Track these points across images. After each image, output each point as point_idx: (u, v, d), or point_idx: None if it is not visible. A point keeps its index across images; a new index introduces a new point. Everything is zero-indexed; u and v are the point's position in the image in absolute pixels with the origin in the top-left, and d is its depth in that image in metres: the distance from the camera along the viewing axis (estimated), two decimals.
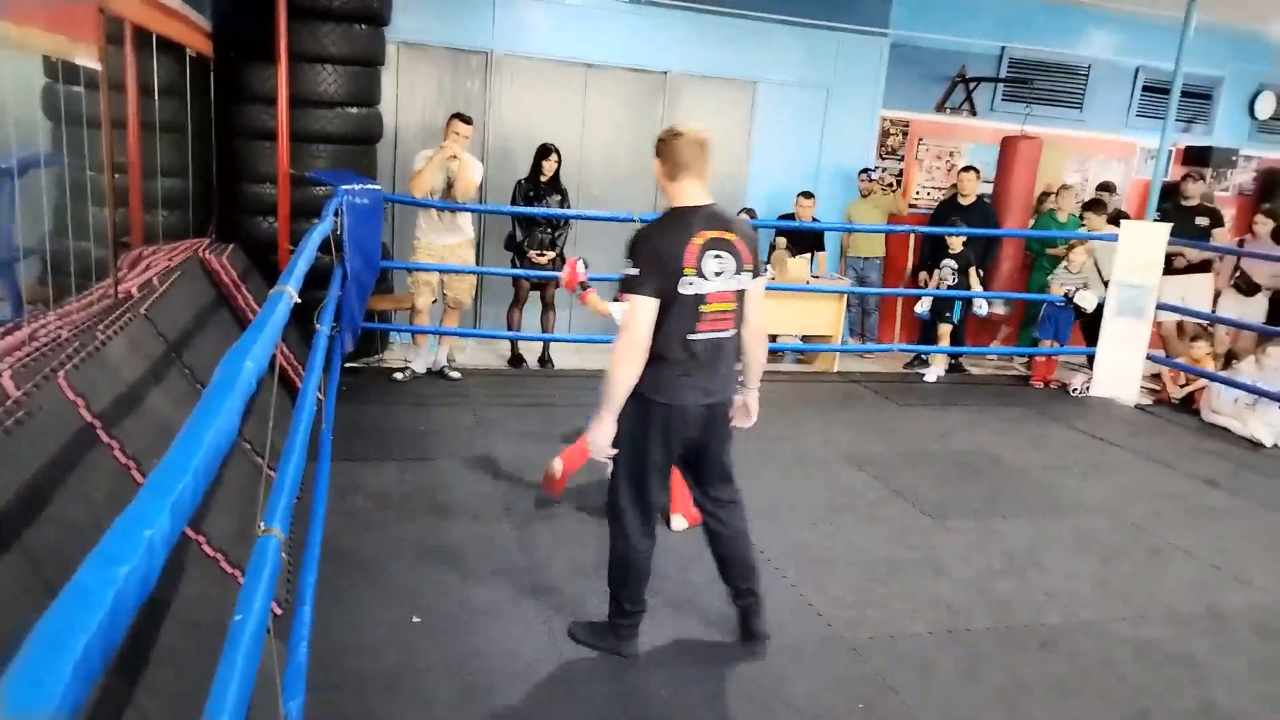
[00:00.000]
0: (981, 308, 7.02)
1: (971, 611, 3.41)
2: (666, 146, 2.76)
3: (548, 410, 5.58)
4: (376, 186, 5.41)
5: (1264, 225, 7.18)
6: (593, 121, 7.33)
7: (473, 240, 6.13)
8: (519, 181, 6.38)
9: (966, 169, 7.38)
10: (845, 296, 7.32)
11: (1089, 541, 4.17)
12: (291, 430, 2.58)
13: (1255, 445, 5.98)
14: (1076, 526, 4.34)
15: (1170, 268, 6.96)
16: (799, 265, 7.23)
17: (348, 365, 5.98)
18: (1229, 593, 3.74)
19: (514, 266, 6.43)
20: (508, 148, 7.09)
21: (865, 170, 7.77)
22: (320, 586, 2.89)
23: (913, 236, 7.34)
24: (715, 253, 2.67)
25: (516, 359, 6.65)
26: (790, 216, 7.50)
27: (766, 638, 3.06)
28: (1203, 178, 7.44)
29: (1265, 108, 9.03)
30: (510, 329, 6.55)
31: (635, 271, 2.64)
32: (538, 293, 6.57)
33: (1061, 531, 4.26)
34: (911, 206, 8.22)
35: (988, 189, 7.80)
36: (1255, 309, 7.13)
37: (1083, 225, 7.28)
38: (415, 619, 3.07)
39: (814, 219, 7.46)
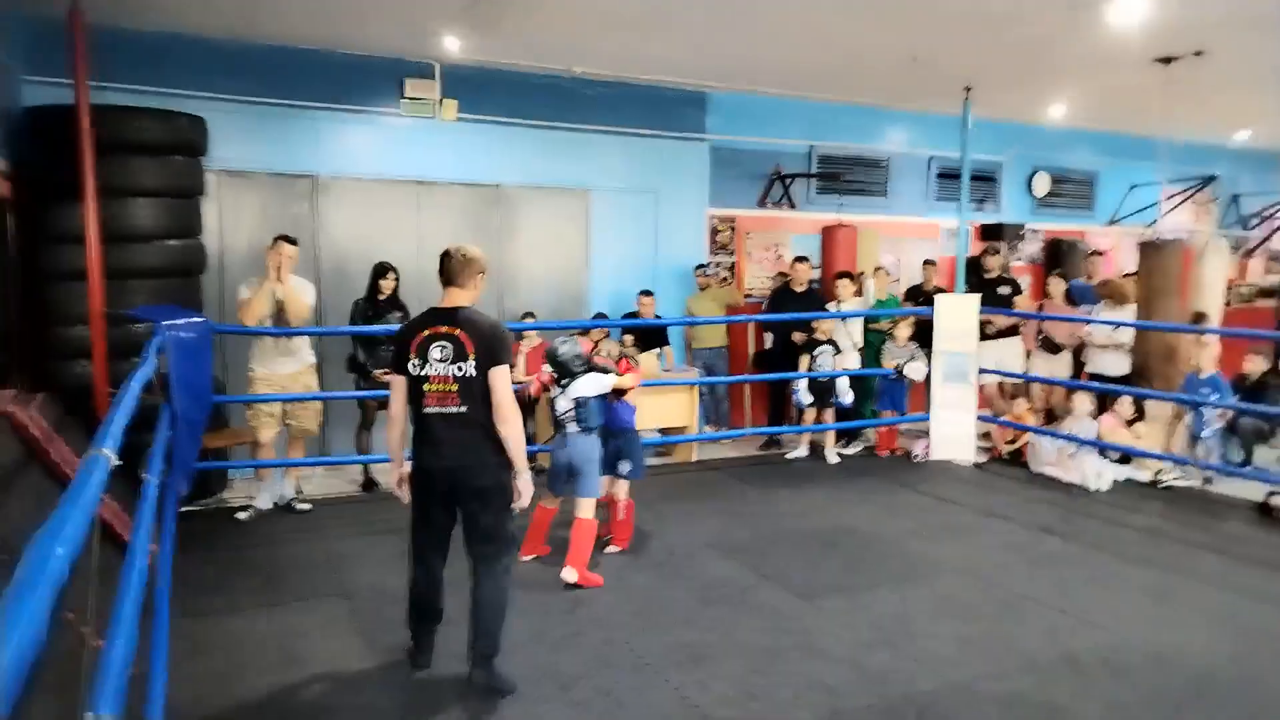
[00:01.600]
0: (846, 396, 7.28)
1: (851, 690, 3.45)
2: (440, 264, 3.50)
3: (405, 535, 5.32)
4: (202, 319, 5.16)
5: (1057, 288, 7.94)
6: (429, 237, 7.32)
7: (314, 365, 5.91)
8: (356, 301, 6.25)
9: (799, 259, 7.84)
10: (696, 387, 7.50)
11: (948, 603, 4.33)
12: (120, 595, 2.35)
13: (1080, 489, 6.47)
14: (935, 589, 4.51)
15: (983, 334, 7.55)
16: (649, 361, 7.37)
17: (185, 510, 5.55)
18: (1078, 636, 3.96)
19: (358, 388, 6.23)
20: (341, 268, 6.96)
21: (700, 266, 8.11)
22: None
23: (752, 326, 7.64)
24: (439, 344, 3.32)
25: (369, 483, 6.38)
26: (634, 315, 7.68)
27: (475, 684, 3.42)
28: (998, 251, 8.17)
29: (1041, 186, 10.12)
30: (361, 453, 6.31)
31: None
32: (386, 412, 6.37)
33: (921, 596, 4.42)
34: (747, 296, 8.60)
35: (817, 273, 8.31)
36: (1061, 365, 7.82)
37: (835, 300, 7.76)
38: None
39: (657, 315, 7.67)
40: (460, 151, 7.32)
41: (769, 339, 8.01)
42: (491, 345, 3.32)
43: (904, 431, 7.98)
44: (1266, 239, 11.19)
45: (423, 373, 3.31)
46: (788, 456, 7.47)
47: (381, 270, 6.24)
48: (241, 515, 5.60)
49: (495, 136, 7.43)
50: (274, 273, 5.50)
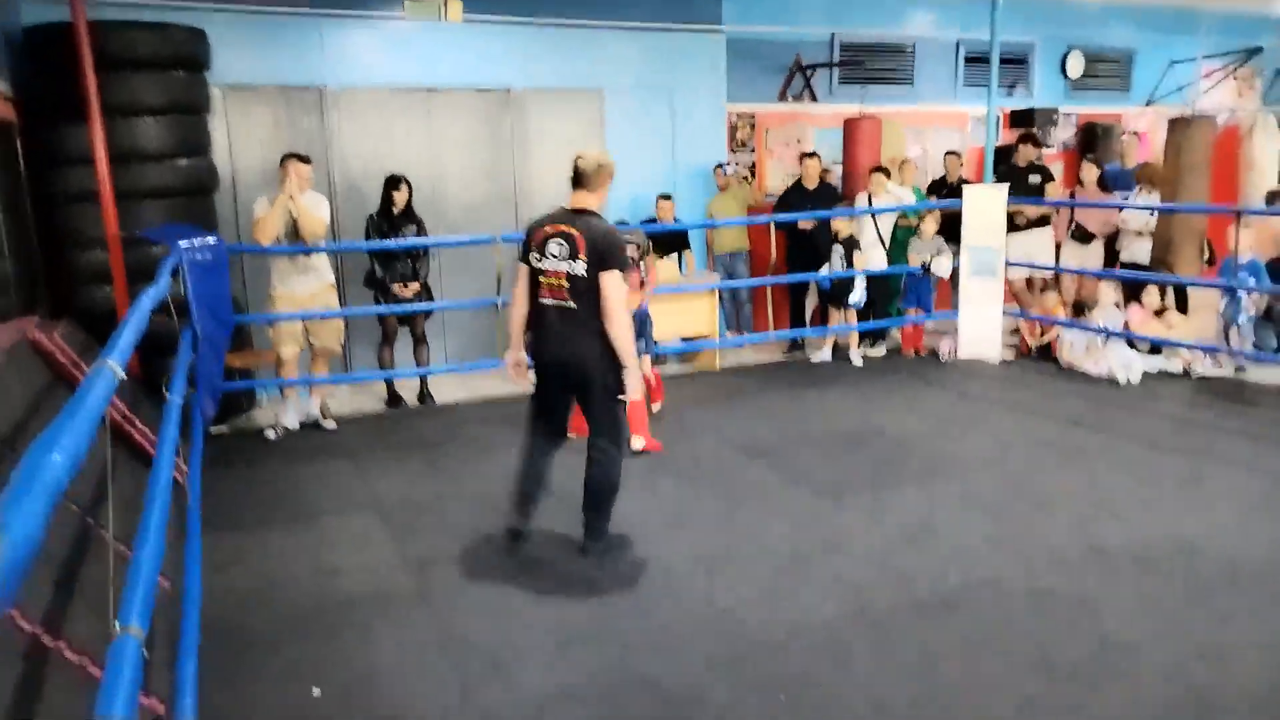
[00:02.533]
0: (855, 295, 7.16)
1: (877, 588, 3.47)
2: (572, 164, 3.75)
3: (432, 449, 5.40)
4: (217, 239, 5.11)
5: (1089, 174, 7.66)
6: (441, 146, 7.17)
7: (333, 284, 5.87)
8: (370, 216, 6.16)
9: (808, 155, 7.61)
10: (718, 292, 7.40)
11: (975, 500, 4.32)
12: (145, 511, 2.38)
13: (1111, 382, 6.37)
14: (962, 487, 4.49)
15: (1012, 226, 7.34)
16: (668, 267, 7.26)
17: (214, 431, 5.64)
18: (1107, 529, 3.94)
19: (377, 303, 6.21)
20: (354, 183, 6.84)
21: (719, 165, 7.89)
22: (206, 672, 2.68)
23: (773, 227, 7.46)
24: (556, 240, 3.59)
25: (394, 399, 6.42)
26: (653, 220, 7.53)
27: (585, 555, 3.81)
28: (1031, 140, 7.87)
29: (1075, 67, 9.65)
30: (383, 369, 6.33)
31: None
32: (407, 327, 6.36)
33: (949, 494, 4.40)
34: (768, 196, 8.39)
35: (839, 169, 8.08)
36: (1093, 255, 7.60)
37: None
38: (316, 692, 2.88)
39: (676, 219, 7.52)
40: (468, 54, 7.09)
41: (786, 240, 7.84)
42: (602, 249, 3.54)
43: (930, 330, 7.87)
44: None
45: (541, 266, 3.61)
46: (812, 360, 7.41)
47: (394, 182, 6.13)
48: (269, 434, 5.66)
49: (504, 37, 7.17)
50: (287, 188, 5.42)
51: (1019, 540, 3.86)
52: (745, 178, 8.32)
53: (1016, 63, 9.41)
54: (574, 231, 3.57)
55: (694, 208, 7.98)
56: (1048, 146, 9.35)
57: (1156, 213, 6.95)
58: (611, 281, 3.53)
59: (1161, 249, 6.89)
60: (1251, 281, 6.27)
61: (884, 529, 4.02)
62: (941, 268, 7.23)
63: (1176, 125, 6.87)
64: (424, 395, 6.48)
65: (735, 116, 8.25)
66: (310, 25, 6.57)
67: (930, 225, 7.36)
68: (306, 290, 5.67)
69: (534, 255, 3.63)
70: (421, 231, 6.21)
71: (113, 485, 2.45)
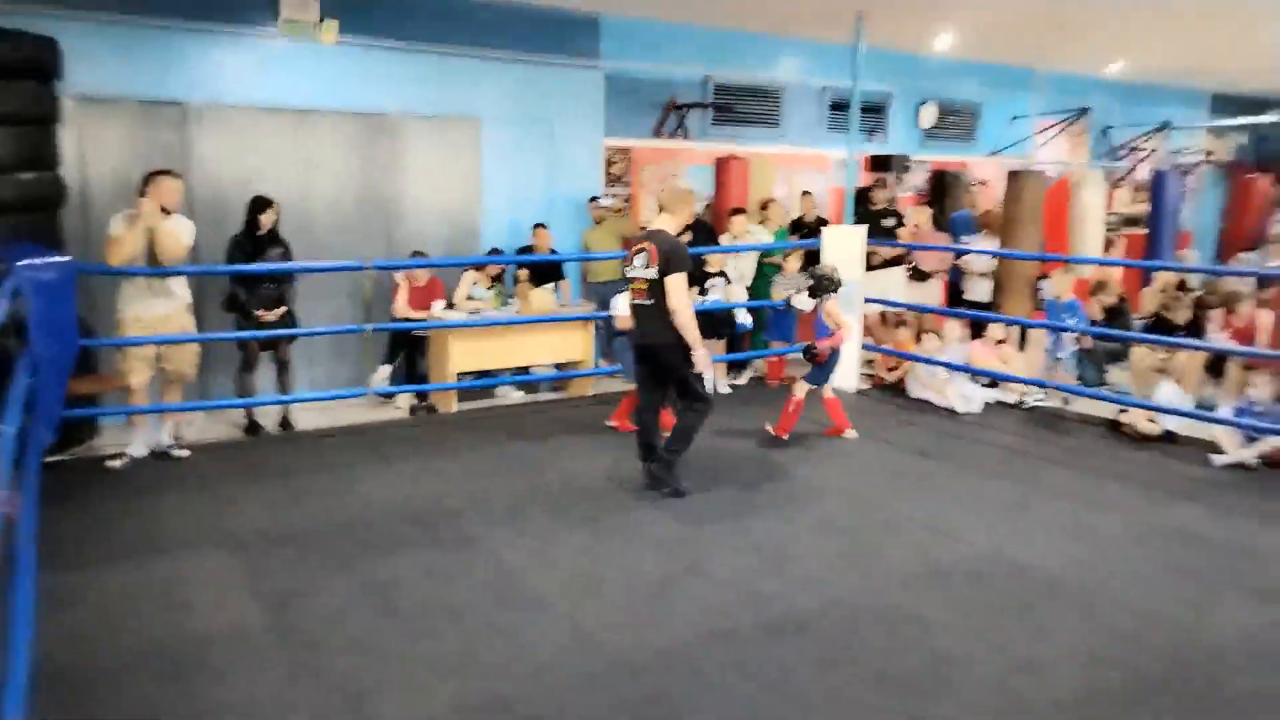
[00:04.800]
0: (744, 316, 7.48)
1: (735, 611, 3.62)
2: (660, 195, 5.25)
3: (293, 478, 5.27)
4: (66, 258, 4.86)
5: (922, 216, 8.24)
6: (311, 169, 7.03)
7: (189, 304, 5.66)
8: (234, 237, 5.99)
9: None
10: (592, 322, 7.52)
11: (828, 524, 4.57)
12: None
13: (953, 413, 6.83)
14: (817, 512, 4.74)
15: (869, 265, 7.78)
16: (543, 296, 7.33)
17: (51, 460, 5.31)
18: (946, 551, 4.24)
19: (239, 328, 6.02)
20: (217, 203, 6.61)
21: (594, 198, 8.04)
22: (43, 716, 2.55)
23: None
24: (639, 252, 4.81)
25: (253, 427, 6.22)
26: (529, 249, 7.60)
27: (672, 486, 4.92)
28: (886, 184, 8.38)
29: (927, 118, 10.35)
30: (243, 395, 6.12)
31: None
32: (269, 353, 6.19)
33: (805, 518, 4.64)
34: (643, 228, 8.55)
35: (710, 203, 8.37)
36: (930, 293, 8.14)
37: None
38: None
39: (552, 249, 7.61)
40: (344, 77, 7.00)
41: None
42: (669, 258, 4.68)
43: (793, 361, 8.21)
44: (1132, 169, 11.78)
45: (631, 274, 4.85)
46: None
47: (260, 204, 5.98)
48: (114, 463, 5.39)
49: (381, 61, 7.12)
50: (145, 209, 5.20)
51: (867, 562, 4.11)
52: (621, 210, 8.50)
53: (875, 111, 10.01)
54: (649, 246, 4.76)
55: (571, 237, 8.11)
56: (903, 190, 9.97)
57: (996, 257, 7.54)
58: (675, 282, 4.67)
59: (997, 292, 7.48)
60: (1073, 322, 6.87)
61: (742, 554, 4.19)
62: (803, 303, 7.55)
63: (1014, 177, 7.49)
64: (286, 423, 6.30)
65: (612, 150, 8.44)
66: (174, 38, 6.36)
67: (793, 262, 7.73)
68: (158, 313, 5.44)
69: (628, 266, 4.89)
70: (288, 255, 6.07)
71: None
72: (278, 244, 6.03)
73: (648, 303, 4.78)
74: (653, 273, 4.71)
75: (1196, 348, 6.62)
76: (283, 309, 6.05)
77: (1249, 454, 5.61)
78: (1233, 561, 4.17)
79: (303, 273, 6.41)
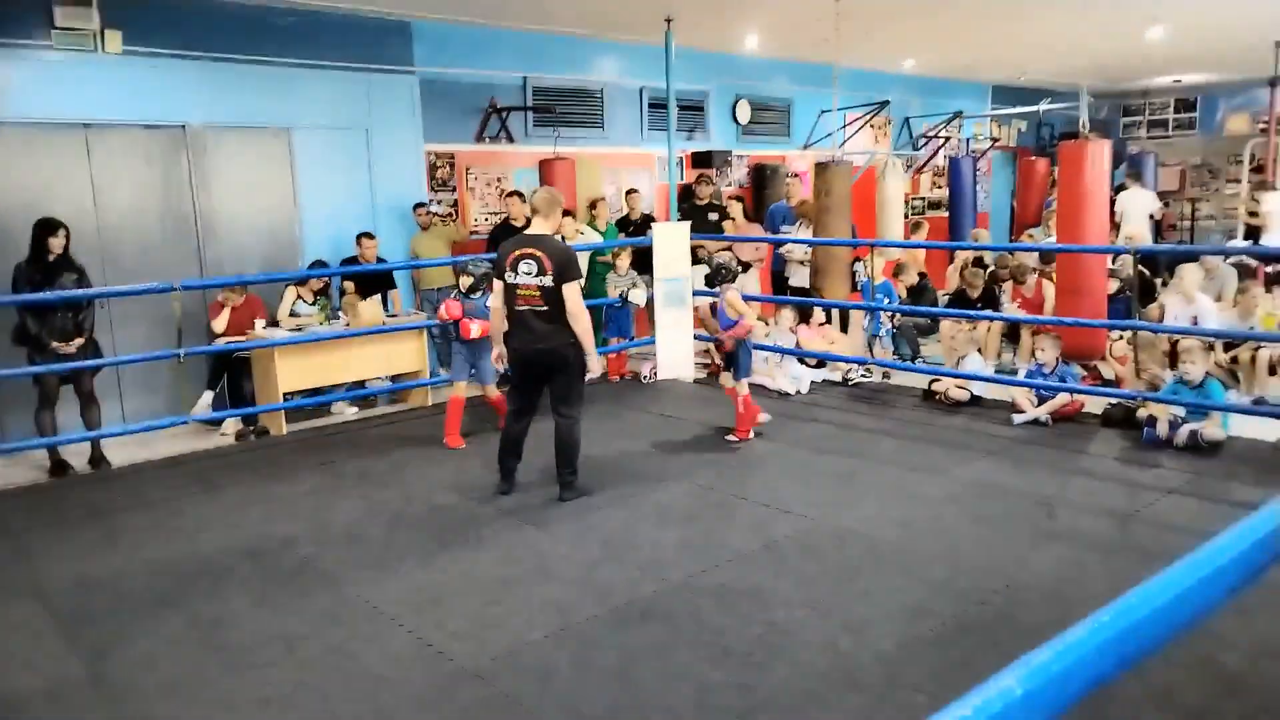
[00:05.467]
0: None
1: (580, 605, 3.66)
2: (533, 198, 4.94)
3: (108, 518, 4.90)
4: None
5: (735, 210, 8.58)
6: (107, 186, 6.55)
7: None
8: (19, 265, 5.51)
9: (511, 194, 7.85)
10: (425, 331, 7.37)
11: (669, 511, 4.69)
12: None
13: (784, 395, 7.15)
14: (658, 500, 4.85)
15: (697, 259, 8.02)
16: (372, 307, 7.14)
17: None
18: (778, 525, 4.44)
19: (32, 362, 5.53)
20: (1, 227, 6.06)
21: (420, 204, 7.89)
22: None
23: None
24: (525, 261, 4.67)
25: (58, 467, 5.73)
26: (354, 260, 7.38)
27: (567, 501, 4.85)
28: (711, 180, 8.65)
29: (743, 114, 10.76)
30: (43, 434, 5.64)
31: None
32: (71, 386, 5.73)
33: (646, 508, 4.74)
34: (473, 233, 8.51)
35: None
36: (750, 281, 8.47)
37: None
38: None
39: (379, 259, 7.43)
40: (134, 89, 6.55)
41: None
42: (563, 265, 4.65)
43: (632, 355, 8.36)
44: (932, 157, 12.68)
45: (515, 281, 4.68)
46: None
47: (48, 227, 5.53)
48: None
49: (175, 72, 6.71)
50: None
51: (705, 543, 4.24)
52: (449, 215, 8.38)
53: (694, 109, 10.31)
54: (538, 253, 4.65)
55: (398, 246, 7.92)
56: (726, 184, 10.33)
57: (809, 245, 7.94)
58: (572, 289, 4.66)
59: (816, 275, 7.88)
60: (886, 301, 7.34)
61: (586, 549, 4.23)
62: (637, 298, 7.72)
63: (822, 168, 7.91)
64: (97, 459, 5.85)
65: (434, 156, 8.31)
66: None
67: (624, 260, 7.86)
68: None
69: (508, 274, 4.70)
70: (83, 280, 5.64)
71: None
72: (71, 269, 5.58)
73: (540, 309, 4.68)
74: (547, 280, 4.63)
75: (992, 319, 7.21)
76: (81, 339, 5.61)
77: (1042, 411, 6.17)
78: (1028, 509, 4.58)
79: (102, 298, 5.96)
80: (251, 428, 6.59)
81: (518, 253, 4.70)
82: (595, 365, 4.85)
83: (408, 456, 5.87)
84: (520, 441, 5.00)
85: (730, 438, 5.94)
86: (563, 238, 7.76)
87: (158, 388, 6.80)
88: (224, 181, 7.07)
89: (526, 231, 4.87)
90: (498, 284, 4.80)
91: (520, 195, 7.87)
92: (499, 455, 5.03)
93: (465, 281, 5.99)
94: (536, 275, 4.66)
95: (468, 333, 5.88)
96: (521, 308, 4.71)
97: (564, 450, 4.87)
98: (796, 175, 10.02)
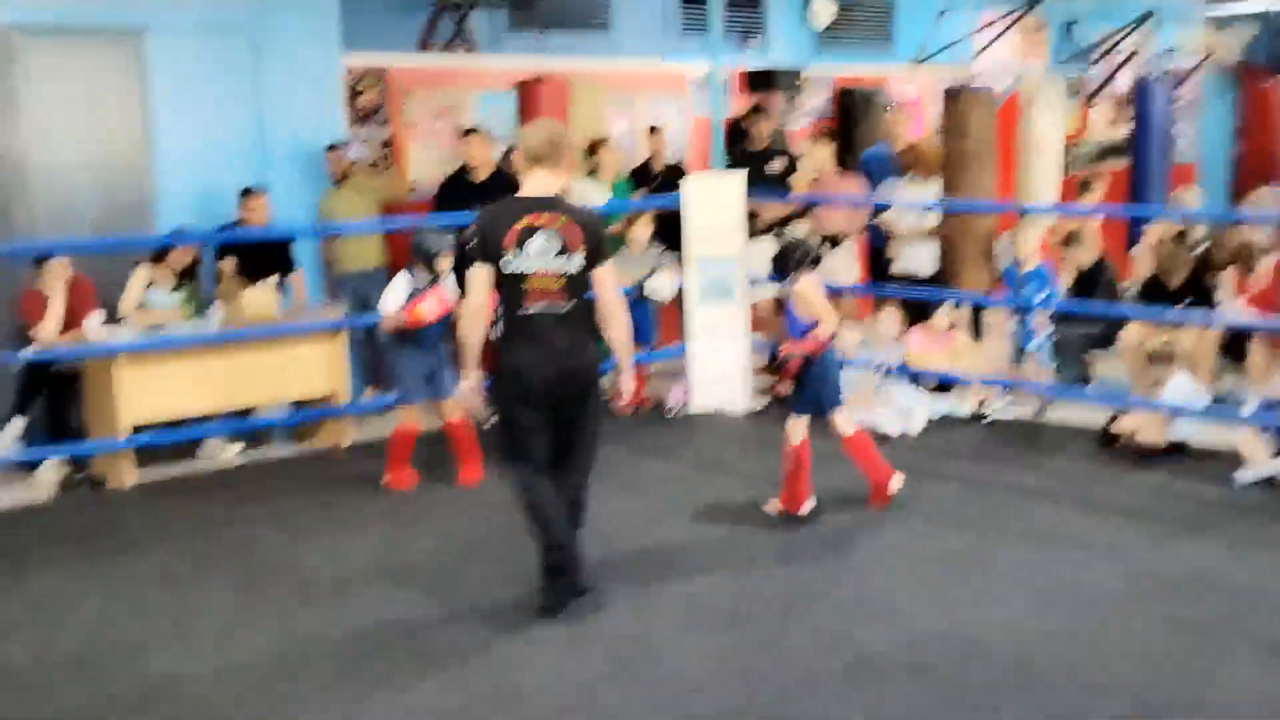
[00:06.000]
0: None
1: None
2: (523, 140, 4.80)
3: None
4: None
5: (822, 153, 8.52)
6: None
7: None
8: None
9: (467, 132, 7.90)
10: (344, 333, 7.39)
11: (704, 610, 4.69)
12: None
13: (883, 437, 7.11)
14: (689, 593, 4.85)
15: (753, 229, 8.01)
16: (263, 296, 7.16)
17: None
18: (869, 634, 4.40)
19: None
20: None
21: (334, 146, 7.93)
22: None
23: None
24: (541, 235, 4.45)
25: None
26: (236, 225, 7.42)
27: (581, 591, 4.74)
28: (769, 112, 8.65)
29: (822, 14, 10.73)
30: None
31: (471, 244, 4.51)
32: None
33: (668, 604, 4.75)
34: (412, 190, 8.54)
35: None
36: (843, 265, 8.46)
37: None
38: None
39: (272, 225, 7.47)
40: None
41: None
42: (597, 239, 4.58)
43: (653, 374, 8.35)
44: (1108, 80, 12.58)
45: (522, 269, 4.45)
46: (485, 426, 7.55)
47: None
48: None
49: None
50: None
51: (757, 661, 4.21)
52: (379, 162, 8.42)
53: (749, 4, 10.32)
54: (559, 221, 4.48)
55: (301, 207, 7.97)
56: (794, 120, 10.34)
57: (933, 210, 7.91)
58: (611, 275, 4.65)
59: (944, 258, 7.85)
60: (1042, 296, 7.28)
61: (582, 663, 4.21)
62: (661, 289, 7.71)
63: (954, 96, 7.88)
64: None
65: (358, 73, 8.35)
66: None
67: (642, 231, 7.86)
68: None
69: (507, 258, 4.43)
70: None
71: None
72: None
73: (561, 309, 4.52)
74: (574, 264, 4.49)
75: (1205, 324, 7.11)
76: None
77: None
78: (1254, 615, 4.51)
79: None
80: (82, 474, 6.63)
81: (524, 223, 4.47)
82: (629, 387, 4.88)
83: (314, 523, 5.87)
84: (562, 509, 4.67)
85: (769, 508, 5.84)
86: None
87: None
88: (43, 109, 7.15)
89: (527, 191, 4.65)
90: (481, 272, 4.52)
91: (481, 133, 7.91)
92: (547, 548, 4.61)
93: (445, 264, 6.03)
94: (558, 256, 4.48)
95: (421, 320, 5.90)
96: (533, 309, 4.51)
97: (578, 518, 4.82)
98: (900, 105, 9.99)
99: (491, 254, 4.46)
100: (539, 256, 4.45)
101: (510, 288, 4.49)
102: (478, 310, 4.56)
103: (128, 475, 6.65)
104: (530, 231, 4.44)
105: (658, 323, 8.29)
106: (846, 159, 9.59)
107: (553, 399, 4.57)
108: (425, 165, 8.74)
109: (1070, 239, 7.76)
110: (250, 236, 7.34)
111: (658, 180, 8.63)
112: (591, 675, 4.14)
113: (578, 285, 4.53)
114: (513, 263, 4.45)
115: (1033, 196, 9.14)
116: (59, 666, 4.35)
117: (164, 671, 4.28)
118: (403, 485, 6.17)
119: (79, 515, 6.22)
